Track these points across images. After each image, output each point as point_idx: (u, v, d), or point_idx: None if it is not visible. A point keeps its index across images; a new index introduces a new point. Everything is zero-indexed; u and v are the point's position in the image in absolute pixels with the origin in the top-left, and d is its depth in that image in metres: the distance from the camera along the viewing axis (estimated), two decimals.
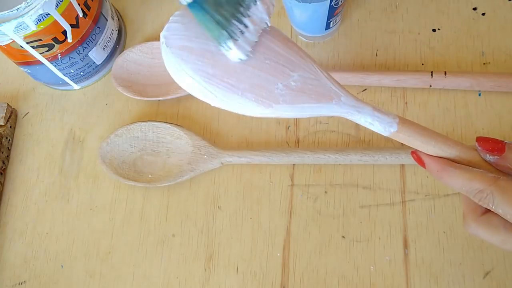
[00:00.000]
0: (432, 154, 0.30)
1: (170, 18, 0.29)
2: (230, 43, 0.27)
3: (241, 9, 0.27)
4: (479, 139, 0.29)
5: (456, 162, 0.29)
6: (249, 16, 0.28)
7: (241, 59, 0.28)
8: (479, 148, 0.29)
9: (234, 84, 0.28)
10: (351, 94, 0.30)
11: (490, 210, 0.29)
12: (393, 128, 0.29)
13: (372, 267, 0.39)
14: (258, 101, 0.28)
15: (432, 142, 0.29)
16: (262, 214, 0.42)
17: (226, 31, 0.27)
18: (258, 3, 0.28)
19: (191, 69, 0.27)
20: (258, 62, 0.28)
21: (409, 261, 0.39)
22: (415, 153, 0.31)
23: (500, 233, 0.28)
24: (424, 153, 0.30)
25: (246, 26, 0.28)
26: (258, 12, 0.28)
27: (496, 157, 0.28)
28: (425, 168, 0.30)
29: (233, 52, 0.27)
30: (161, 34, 0.28)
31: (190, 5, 0.28)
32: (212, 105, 0.29)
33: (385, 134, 0.30)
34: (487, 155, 0.29)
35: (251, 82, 0.28)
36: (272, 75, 0.28)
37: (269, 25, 0.29)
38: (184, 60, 0.28)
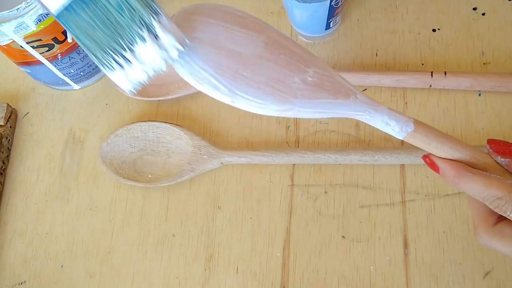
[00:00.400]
0: (447, 157, 0.29)
1: (176, 13, 0.27)
2: (111, 74, 0.24)
3: (120, 40, 0.24)
4: (490, 141, 0.29)
5: (471, 165, 0.28)
6: (132, 51, 0.24)
7: (128, 92, 0.25)
8: (490, 150, 0.28)
9: (249, 76, 0.26)
10: (366, 95, 0.29)
11: (502, 220, 0.28)
12: (410, 128, 0.28)
13: (372, 267, 0.39)
14: (275, 95, 0.26)
15: (447, 142, 0.28)
16: (262, 214, 0.42)
17: (104, 59, 0.24)
18: (148, 43, 0.24)
19: (202, 60, 0.25)
20: (273, 56, 0.26)
21: (409, 261, 0.39)
22: (427, 157, 0.30)
23: None
24: (438, 157, 0.29)
25: (128, 61, 0.24)
26: (148, 52, 0.24)
27: (507, 159, 0.28)
28: (438, 173, 0.29)
29: (118, 81, 0.24)
30: None
31: (61, 14, 0.23)
32: (225, 101, 0.27)
33: (401, 136, 0.28)
34: (499, 157, 0.28)
35: (268, 75, 0.26)
36: (288, 69, 0.27)
37: (164, 71, 0.25)
38: (193, 51, 0.25)
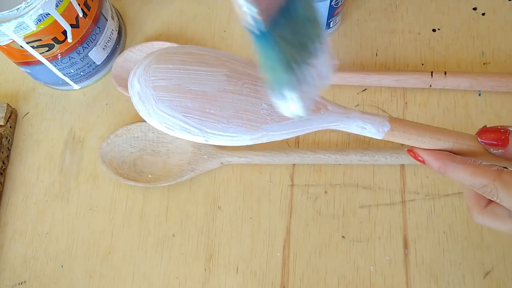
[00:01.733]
0: (430, 147, 0.29)
1: (136, 66, 0.28)
2: (294, 94, 0.23)
3: (308, 54, 0.24)
4: (480, 133, 0.28)
5: (456, 151, 0.28)
6: (313, 66, 0.24)
7: (299, 116, 0.24)
8: (482, 143, 0.28)
9: (217, 113, 0.27)
10: (336, 103, 0.29)
11: (493, 201, 0.28)
12: (386, 127, 0.28)
13: (372, 267, 0.39)
14: (246, 125, 0.27)
15: (427, 133, 0.28)
16: (262, 214, 0.42)
17: (296, 76, 0.23)
18: (325, 53, 0.24)
19: (169, 107, 0.26)
20: (237, 87, 0.27)
21: (409, 261, 0.39)
22: (411, 151, 0.30)
23: (507, 222, 0.28)
24: (422, 149, 0.29)
25: (311, 77, 0.24)
26: (323, 64, 0.25)
27: (501, 150, 0.28)
28: (424, 164, 0.29)
29: (293, 105, 0.24)
30: (130, 80, 0.27)
31: (259, 36, 0.22)
32: (198, 141, 0.28)
33: (379, 136, 0.29)
34: (491, 149, 0.28)
35: (235, 107, 0.27)
36: (253, 97, 0.27)
37: (327, 85, 0.25)
38: (160, 99, 0.26)
